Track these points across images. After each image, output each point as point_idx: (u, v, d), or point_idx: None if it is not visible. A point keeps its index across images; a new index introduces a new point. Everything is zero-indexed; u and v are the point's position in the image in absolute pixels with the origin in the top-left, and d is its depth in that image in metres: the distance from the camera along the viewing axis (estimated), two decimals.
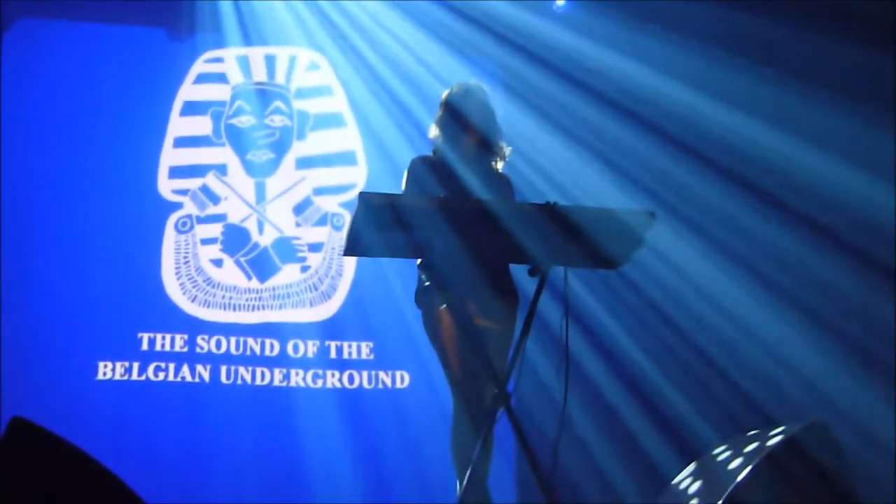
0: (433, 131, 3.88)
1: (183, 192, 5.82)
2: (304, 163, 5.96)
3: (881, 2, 5.43)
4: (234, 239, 5.81)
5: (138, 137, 5.79)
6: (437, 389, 4.81)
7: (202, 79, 5.98)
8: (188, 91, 5.96)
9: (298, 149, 5.98)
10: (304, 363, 5.65)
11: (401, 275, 5.39)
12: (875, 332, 5.33)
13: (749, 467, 3.40)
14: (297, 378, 5.62)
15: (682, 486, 3.80)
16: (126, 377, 5.44)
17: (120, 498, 2.28)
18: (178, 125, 5.89)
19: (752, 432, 3.81)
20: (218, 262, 5.78)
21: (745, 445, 3.67)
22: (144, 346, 5.52)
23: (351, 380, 5.67)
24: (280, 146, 5.96)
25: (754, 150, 5.62)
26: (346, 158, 6.01)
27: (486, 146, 3.83)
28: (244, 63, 6.02)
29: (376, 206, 3.14)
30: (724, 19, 5.66)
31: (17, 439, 2.29)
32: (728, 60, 5.62)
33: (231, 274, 5.76)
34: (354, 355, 5.71)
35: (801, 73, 5.50)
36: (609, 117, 5.86)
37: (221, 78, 5.99)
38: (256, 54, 6.03)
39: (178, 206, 5.81)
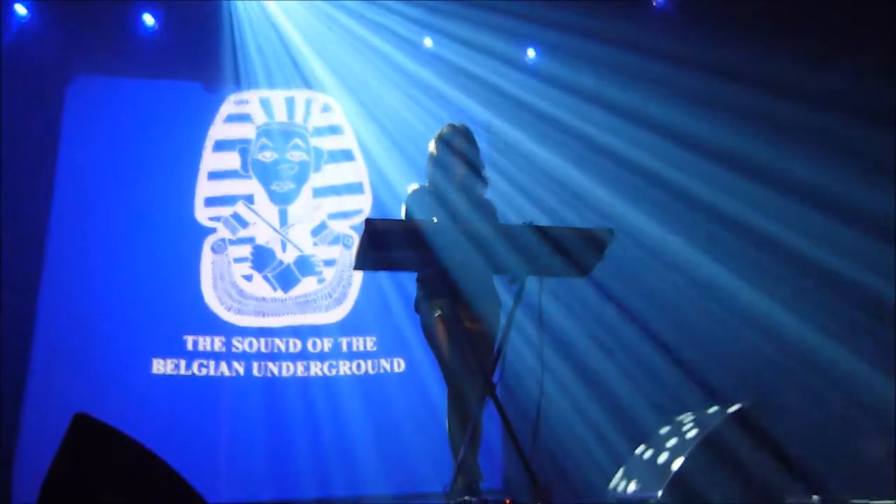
0: (427, 164, 3.87)
1: (217, 219, 5.81)
2: (320, 192, 5.95)
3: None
4: (262, 257, 5.80)
5: (177, 172, 5.77)
6: (427, 372, 5.05)
7: (231, 119, 5.95)
8: (219, 130, 5.92)
9: (315, 180, 5.97)
10: (322, 356, 5.69)
11: (397, 283, 5.52)
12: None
13: (699, 438, 3.40)
14: (316, 369, 5.66)
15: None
16: (175, 372, 5.47)
17: (178, 490, 2.19)
18: (211, 160, 5.86)
19: (689, 414, 3.79)
20: (248, 277, 5.77)
21: (699, 421, 3.65)
22: (189, 347, 5.54)
23: (359, 367, 5.72)
24: (299, 178, 5.95)
25: (726, 201, 5.48)
26: (355, 188, 6.01)
27: (472, 177, 3.82)
28: (266, 105, 5.99)
29: (380, 230, 3.15)
30: (694, 71, 5.50)
31: (81, 435, 2.19)
32: (699, 107, 5.52)
33: (260, 286, 5.76)
34: (362, 348, 5.76)
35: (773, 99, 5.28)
36: (576, 160, 5.85)
37: (247, 118, 5.97)
38: (277, 97, 6.01)
39: (213, 230, 5.79)
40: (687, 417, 3.80)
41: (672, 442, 3.58)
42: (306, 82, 6.01)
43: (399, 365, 5.74)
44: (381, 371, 5.72)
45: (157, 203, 5.68)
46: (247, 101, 5.98)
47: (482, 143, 4.01)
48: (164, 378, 5.43)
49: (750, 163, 5.34)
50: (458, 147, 3.78)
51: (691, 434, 3.54)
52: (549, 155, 5.87)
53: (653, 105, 5.64)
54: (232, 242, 5.79)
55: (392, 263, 3.41)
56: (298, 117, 6.04)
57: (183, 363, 5.48)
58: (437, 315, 3.57)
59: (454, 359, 3.53)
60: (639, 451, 3.77)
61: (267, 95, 6.01)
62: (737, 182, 5.39)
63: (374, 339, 5.77)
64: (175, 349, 5.49)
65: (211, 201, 5.83)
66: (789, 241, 5.20)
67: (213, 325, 5.60)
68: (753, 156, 5.34)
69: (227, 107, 5.94)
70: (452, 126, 3.87)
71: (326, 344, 5.72)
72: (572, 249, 3.31)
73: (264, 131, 5.96)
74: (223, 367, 5.54)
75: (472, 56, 5.96)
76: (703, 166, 5.48)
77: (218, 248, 5.77)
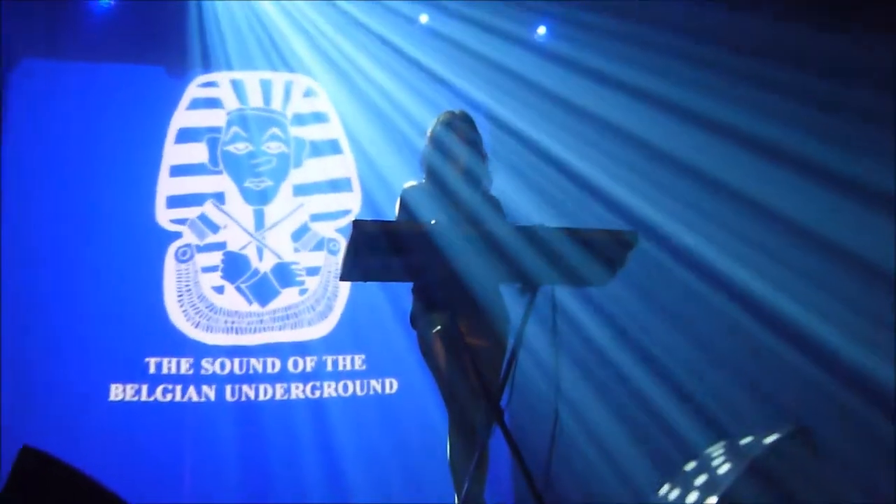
0: (423, 158, 3.87)
1: (181, 222, 5.76)
2: (302, 190, 5.95)
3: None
4: (235, 266, 5.79)
5: (135, 168, 5.72)
6: (424, 394, 5.06)
7: (197, 104, 5.89)
8: (182, 117, 5.86)
9: (295, 176, 5.96)
10: (304, 377, 5.73)
11: (390, 294, 5.52)
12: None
13: (737, 472, 3.38)
14: (298, 391, 5.70)
15: (671, 493, 3.75)
16: (136, 398, 5.45)
17: None
18: (174, 153, 5.80)
19: (744, 439, 3.78)
20: (219, 289, 5.75)
21: (732, 453, 3.63)
22: (152, 370, 5.52)
23: (346, 389, 5.76)
24: (278, 173, 5.93)
25: (738, 179, 5.59)
26: (342, 185, 6.01)
27: (475, 171, 3.82)
28: (239, 88, 5.95)
29: (370, 233, 3.12)
30: (708, 45, 5.63)
31: (28, 469, 2.27)
32: (711, 85, 5.62)
33: (232, 299, 5.76)
34: (349, 367, 5.79)
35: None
36: (591, 143, 5.86)
37: (216, 103, 5.92)
38: (252, 79, 5.98)
39: (178, 235, 5.75)
40: (716, 450, 3.78)
41: (701, 479, 3.55)
42: (286, 63, 6.00)
43: (391, 386, 5.78)
44: (371, 392, 5.75)
45: (112, 204, 5.63)
46: (216, 84, 5.93)
47: (484, 133, 4.03)
48: (124, 405, 5.41)
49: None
50: (459, 137, 3.78)
51: (724, 469, 3.51)
52: (562, 146, 5.87)
53: (678, 89, 5.66)
54: (200, 249, 5.77)
55: (384, 272, 3.37)
56: (276, 103, 6.02)
57: (145, 388, 5.47)
58: (435, 331, 3.56)
59: (456, 380, 3.53)
60: (663, 491, 3.74)
61: (239, 77, 5.97)
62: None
63: (363, 357, 5.80)
64: (135, 373, 5.48)
65: (174, 201, 5.78)
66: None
67: (178, 344, 5.59)
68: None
69: (193, 90, 5.88)
70: (452, 113, 3.88)
71: (309, 363, 5.74)
72: (591, 254, 3.31)
73: (237, 119, 5.92)
74: (191, 391, 5.53)
75: (473, 34, 5.97)
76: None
77: (183, 256, 5.75)
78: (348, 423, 5.64)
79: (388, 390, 5.77)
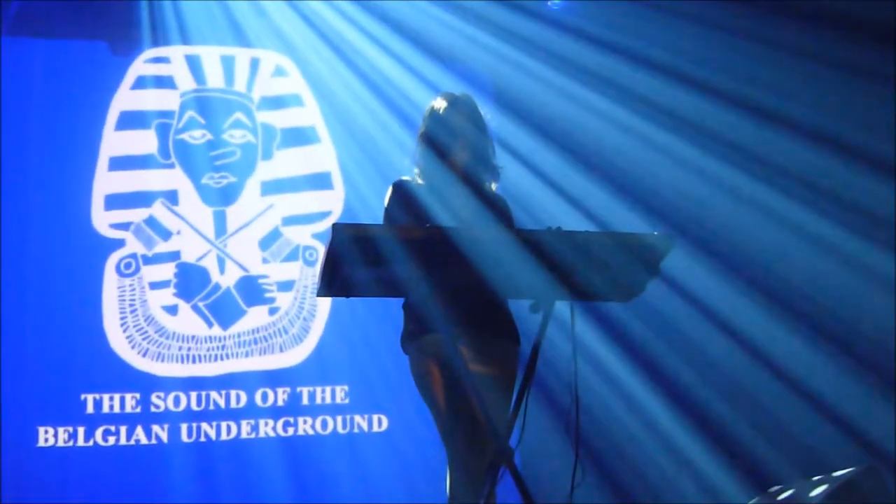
0: (417, 148, 3.93)
1: (124, 227, 5.77)
2: (271, 187, 6.00)
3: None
4: (191, 281, 5.82)
5: (67, 159, 5.71)
6: (417, 432, 5.16)
7: (143, 83, 5.89)
8: (125, 98, 5.84)
9: (264, 170, 6.01)
10: (275, 412, 5.79)
11: (377, 312, 5.47)
12: None
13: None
14: (267, 428, 5.76)
15: None
16: (70, 443, 5.47)
17: None
18: (114, 142, 5.79)
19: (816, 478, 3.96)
20: (172, 310, 5.79)
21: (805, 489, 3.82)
22: (90, 409, 5.55)
23: (325, 426, 5.82)
24: (242, 168, 5.97)
25: (762, 147, 5.83)
26: (320, 181, 6.07)
27: (477, 164, 3.88)
28: (195, 64, 5.98)
29: (353, 239, 3.18)
30: (728, 15, 5.86)
31: None
32: (733, 58, 5.86)
33: (188, 322, 5.78)
34: (328, 400, 5.86)
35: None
36: (611, 125, 5.97)
37: (167, 82, 5.93)
38: (211, 54, 6.00)
39: (119, 243, 5.76)
40: (786, 489, 3.97)
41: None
42: (251, 36, 6.04)
43: (380, 423, 5.87)
44: (356, 430, 5.84)
45: (38, 205, 5.65)
46: (167, 60, 5.95)
47: (491, 119, 4.07)
48: (55, 452, 5.44)
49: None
50: (460, 123, 3.85)
51: None
52: (578, 134, 5.97)
53: (709, 68, 5.83)
54: (147, 260, 5.81)
55: (369, 286, 3.38)
56: (240, 83, 6.07)
57: (81, 431, 5.51)
58: (431, 354, 3.63)
59: (456, 415, 3.59)
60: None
61: (196, 52, 6.00)
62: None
63: (345, 388, 5.90)
64: (69, 413, 5.51)
65: (115, 201, 5.78)
66: None
67: (122, 377, 5.64)
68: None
69: (139, 66, 5.90)
70: (451, 95, 3.94)
71: (281, 395, 5.82)
72: (617, 263, 3.37)
73: (192, 102, 5.97)
74: (139, 432, 5.59)
75: (477, 1, 6.04)
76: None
77: (126, 269, 5.77)
78: (327, 466, 5.72)
79: (375, 428, 5.85)
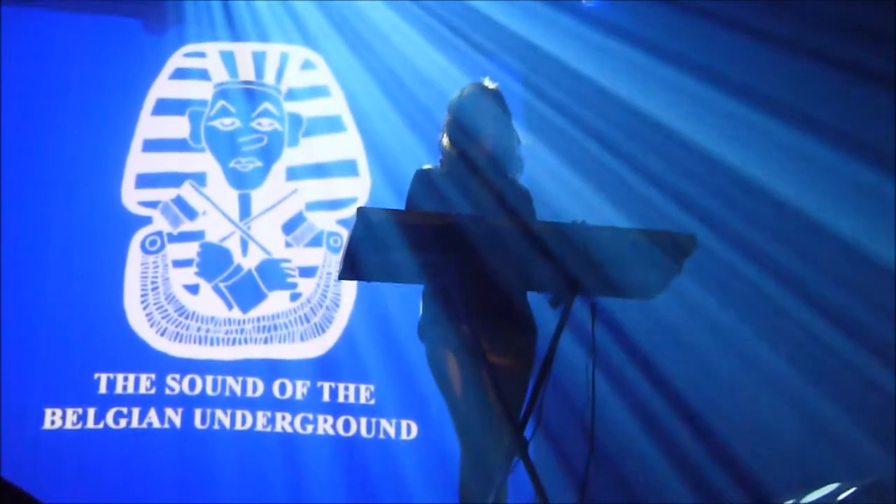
0: (442, 139, 3.95)
1: (152, 205, 5.86)
2: (296, 173, 6.05)
3: None
4: (213, 261, 5.84)
5: (101, 138, 5.83)
6: (451, 444, 4.85)
7: (180, 74, 6.06)
8: (163, 87, 6.02)
9: (289, 156, 6.07)
10: (293, 406, 5.70)
11: (407, 304, 5.31)
12: None
13: None
14: (284, 423, 5.68)
15: None
16: (79, 426, 5.44)
17: None
18: (150, 126, 5.94)
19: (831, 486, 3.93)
20: (193, 289, 5.82)
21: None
22: (102, 389, 5.54)
23: (347, 426, 5.73)
24: (268, 153, 6.04)
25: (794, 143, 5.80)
26: (345, 168, 6.10)
27: (501, 155, 3.90)
28: (229, 59, 6.14)
29: (377, 224, 3.21)
30: (766, 17, 5.86)
31: None
32: (773, 63, 5.83)
33: (208, 302, 5.79)
34: (351, 399, 5.77)
35: None
36: (643, 124, 5.96)
37: (203, 74, 6.10)
38: (243, 50, 6.16)
39: (147, 220, 5.84)
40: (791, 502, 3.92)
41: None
42: (283, 32, 6.18)
43: (408, 430, 5.76)
44: (381, 436, 5.75)
45: (66, 180, 5.73)
46: (203, 55, 6.15)
47: (518, 111, 4.10)
48: (62, 435, 5.40)
49: None
50: (486, 114, 3.86)
51: None
52: (607, 132, 5.96)
53: (751, 71, 5.83)
54: (172, 238, 5.86)
55: (391, 271, 3.44)
56: (269, 76, 6.19)
57: (92, 413, 5.48)
58: (449, 342, 3.63)
59: (471, 405, 3.58)
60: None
61: (230, 48, 6.18)
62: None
63: (370, 387, 5.81)
64: (81, 394, 5.48)
65: (146, 180, 5.89)
66: None
67: (138, 356, 5.62)
68: None
69: (178, 59, 6.09)
70: (479, 85, 3.96)
71: (300, 389, 5.76)
72: (639, 259, 3.38)
73: (224, 92, 6.11)
74: (152, 415, 5.56)
75: None
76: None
77: (152, 247, 5.83)
78: (348, 471, 5.61)
79: (403, 435, 5.75)
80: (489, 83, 3.98)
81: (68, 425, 5.44)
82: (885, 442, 5.31)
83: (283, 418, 5.69)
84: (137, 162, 5.91)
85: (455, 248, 3.29)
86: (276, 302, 5.87)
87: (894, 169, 5.62)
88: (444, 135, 3.93)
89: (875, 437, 5.39)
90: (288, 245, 5.96)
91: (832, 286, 5.74)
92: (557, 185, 5.76)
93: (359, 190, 6.08)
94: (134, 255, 5.80)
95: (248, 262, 5.90)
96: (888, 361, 5.55)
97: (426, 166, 3.92)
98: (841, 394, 5.64)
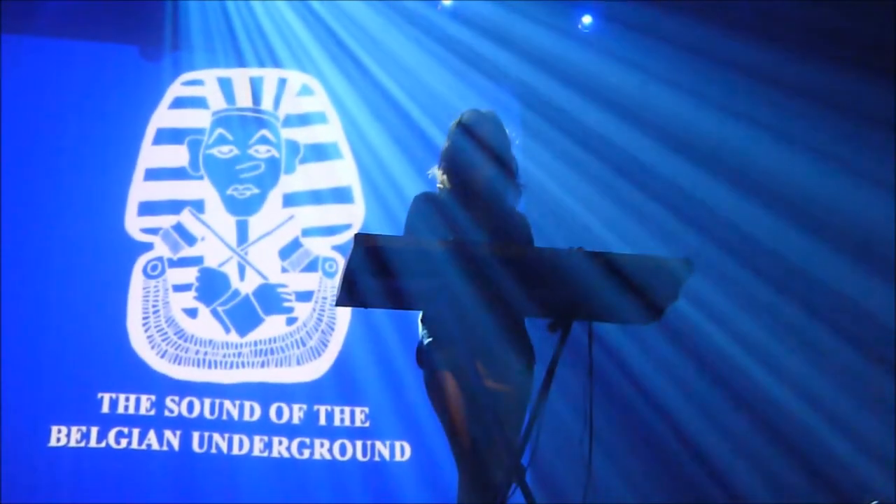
0: (440, 163, 3.94)
1: (153, 231, 5.91)
2: (293, 199, 6.07)
3: None
4: (212, 286, 5.88)
5: (105, 168, 5.90)
6: (443, 464, 4.86)
7: (179, 103, 6.10)
8: (163, 117, 6.07)
9: (286, 183, 6.09)
10: (289, 430, 5.71)
11: (401, 329, 5.48)
12: None
13: None
14: (281, 448, 5.68)
15: None
16: (83, 444, 5.48)
17: None
18: (151, 155, 6.00)
19: None
20: (192, 312, 5.84)
21: None
22: (105, 409, 5.57)
23: (343, 450, 5.72)
24: (265, 180, 6.07)
25: (794, 178, 5.81)
26: (341, 195, 6.13)
27: (501, 181, 3.87)
28: (227, 86, 6.17)
29: (374, 250, 3.18)
30: (757, 44, 5.86)
31: None
32: (767, 88, 5.86)
33: (207, 326, 5.82)
34: (347, 422, 5.77)
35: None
36: (640, 149, 5.96)
37: (201, 103, 6.12)
38: (241, 77, 6.19)
39: (148, 246, 5.89)
40: None
41: None
42: (279, 58, 6.21)
43: (402, 451, 5.76)
44: (376, 458, 5.74)
45: (72, 207, 5.81)
46: (202, 82, 6.17)
47: (515, 137, 4.07)
48: (67, 453, 5.45)
49: None
50: (484, 140, 3.84)
51: None
52: (606, 155, 5.96)
53: (743, 97, 5.83)
54: (172, 263, 5.90)
55: (388, 298, 3.42)
56: (267, 102, 6.21)
57: (95, 432, 5.52)
58: (446, 369, 3.61)
59: (469, 431, 3.55)
60: None
61: (228, 75, 6.20)
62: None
63: (365, 410, 5.82)
64: (85, 412, 5.53)
65: (147, 208, 5.96)
66: None
67: (139, 377, 5.66)
68: None
69: (177, 88, 6.13)
70: (477, 112, 3.94)
71: (297, 413, 5.77)
72: (637, 285, 3.36)
73: (223, 119, 6.12)
74: (151, 437, 5.58)
75: (505, 21, 6.07)
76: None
77: (153, 271, 5.87)
78: (344, 496, 5.61)
79: (397, 457, 5.75)
80: (487, 110, 3.98)
81: (72, 443, 5.50)
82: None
83: (280, 443, 5.69)
84: (140, 190, 5.98)
85: (452, 274, 3.27)
86: (272, 326, 5.89)
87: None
88: (443, 161, 3.91)
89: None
90: (284, 270, 5.98)
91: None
92: (555, 209, 5.76)
93: (354, 216, 6.11)
94: (136, 280, 5.85)
95: (246, 286, 5.92)
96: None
97: (426, 192, 3.90)
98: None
